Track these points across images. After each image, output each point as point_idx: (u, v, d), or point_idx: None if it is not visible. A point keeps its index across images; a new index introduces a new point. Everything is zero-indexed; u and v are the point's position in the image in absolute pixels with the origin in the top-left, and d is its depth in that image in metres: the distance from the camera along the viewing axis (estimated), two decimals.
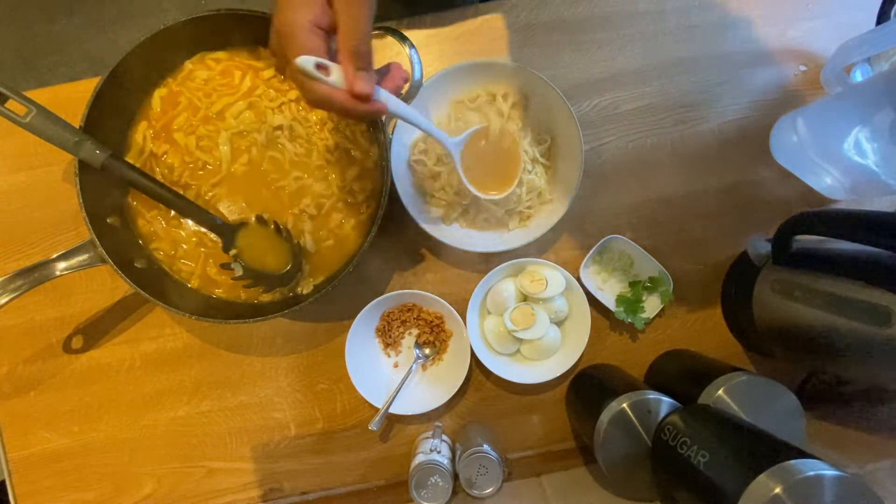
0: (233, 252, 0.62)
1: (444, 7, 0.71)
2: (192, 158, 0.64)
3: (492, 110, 0.66)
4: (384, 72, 0.51)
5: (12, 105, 0.54)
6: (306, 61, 0.42)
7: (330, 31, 0.44)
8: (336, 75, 0.44)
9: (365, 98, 0.44)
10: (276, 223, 0.63)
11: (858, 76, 0.69)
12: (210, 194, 0.64)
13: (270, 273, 0.63)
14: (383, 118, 0.53)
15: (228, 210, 0.65)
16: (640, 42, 0.71)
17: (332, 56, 0.45)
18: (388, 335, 0.69)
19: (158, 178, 0.64)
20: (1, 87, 0.53)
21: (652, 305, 0.68)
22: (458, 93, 0.68)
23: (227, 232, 0.62)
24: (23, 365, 0.68)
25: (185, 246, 0.65)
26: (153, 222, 0.64)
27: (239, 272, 0.63)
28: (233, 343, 0.69)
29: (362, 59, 0.43)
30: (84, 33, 1.58)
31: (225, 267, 0.63)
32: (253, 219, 0.63)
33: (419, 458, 0.62)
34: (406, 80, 0.53)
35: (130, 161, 0.62)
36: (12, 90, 0.54)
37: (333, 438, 0.70)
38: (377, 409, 0.66)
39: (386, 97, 0.48)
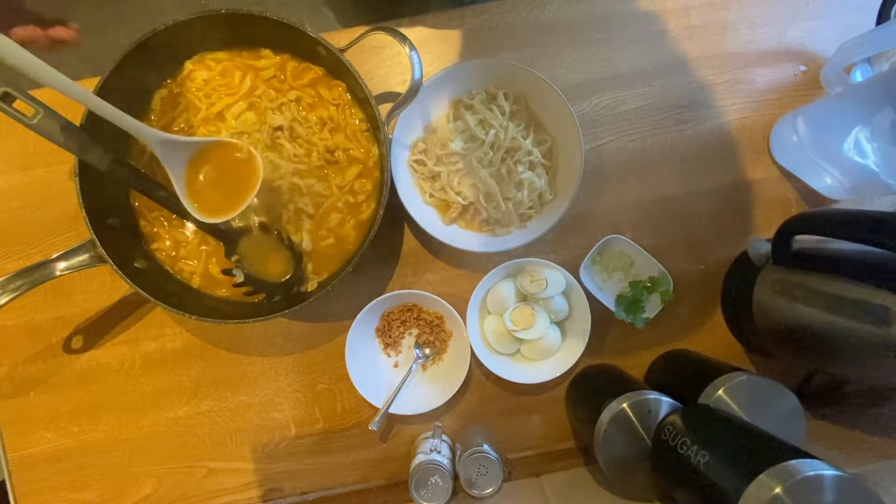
0: (235, 258, 0.62)
1: (443, 7, 0.71)
2: None
3: (490, 112, 0.66)
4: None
5: (20, 105, 0.54)
6: None
7: None
8: None
9: None
10: (278, 231, 0.63)
11: (858, 76, 0.69)
12: None
13: (271, 281, 0.63)
14: None
15: None
16: (640, 42, 0.71)
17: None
18: (388, 335, 0.69)
19: (159, 178, 0.64)
20: (9, 88, 0.53)
21: (652, 305, 0.68)
22: (458, 93, 0.68)
23: (230, 238, 0.62)
24: (23, 365, 0.68)
25: (186, 247, 0.65)
26: (155, 223, 0.65)
27: (240, 278, 0.63)
28: (233, 343, 0.69)
29: None
30: (83, 33, 1.58)
31: (226, 273, 0.63)
32: (256, 226, 0.63)
33: (419, 458, 0.62)
34: (55, 43, 0.50)
35: (132, 162, 0.62)
36: (21, 91, 0.53)
37: (333, 438, 0.70)
38: (377, 409, 0.66)
39: None
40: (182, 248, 0.65)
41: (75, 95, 0.48)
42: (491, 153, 0.65)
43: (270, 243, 0.63)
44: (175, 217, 0.64)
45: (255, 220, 0.65)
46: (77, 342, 0.68)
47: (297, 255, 0.64)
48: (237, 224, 0.64)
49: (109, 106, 0.51)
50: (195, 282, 0.65)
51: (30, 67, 0.45)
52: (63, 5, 1.59)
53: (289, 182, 0.64)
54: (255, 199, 0.65)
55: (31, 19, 0.48)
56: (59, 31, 0.50)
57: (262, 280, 0.64)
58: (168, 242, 0.65)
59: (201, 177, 0.57)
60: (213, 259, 0.65)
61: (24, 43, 0.45)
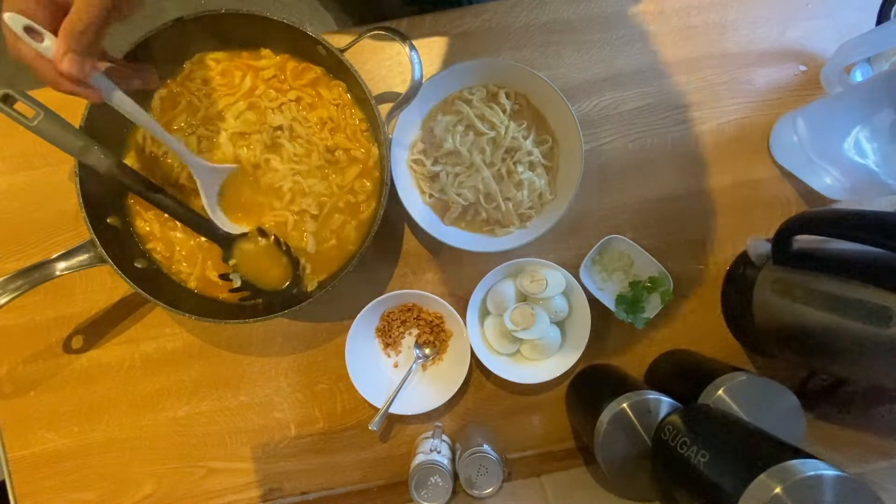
0: (231, 262, 0.62)
1: (444, 7, 0.71)
2: None
3: (490, 109, 0.66)
4: (127, 65, 0.53)
5: (20, 107, 0.54)
6: (14, 21, 0.42)
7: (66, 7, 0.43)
8: (49, 44, 0.43)
9: (72, 78, 0.44)
10: (276, 237, 0.63)
11: (858, 76, 0.69)
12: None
13: (268, 288, 0.63)
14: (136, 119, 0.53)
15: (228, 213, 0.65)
16: (640, 42, 0.71)
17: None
18: (388, 335, 0.69)
19: (158, 179, 0.63)
20: (10, 90, 0.53)
21: (652, 305, 0.68)
22: (458, 93, 0.67)
23: (227, 242, 0.62)
24: (23, 365, 0.68)
25: (182, 249, 0.65)
26: (151, 223, 0.64)
27: (237, 283, 0.63)
28: (233, 343, 0.69)
29: (77, 42, 0.42)
30: None
31: (223, 277, 0.63)
32: (255, 230, 0.63)
33: (419, 458, 0.62)
34: (141, 84, 0.54)
35: (129, 162, 0.62)
36: (21, 93, 0.53)
37: (333, 438, 0.70)
38: (377, 409, 0.66)
39: (108, 89, 0.49)
40: (177, 250, 0.65)
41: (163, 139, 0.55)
42: (489, 150, 0.65)
43: (268, 249, 0.63)
44: (169, 218, 0.64)
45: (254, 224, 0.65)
46: (77, 342, 0.68)
47: (294, 261, 0.64)
48: (234, 225, 0.64)
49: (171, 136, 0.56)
50: (192, 284, 0.65)
51: (138, 119, 0.53)
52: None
53: (290, 182, 0.64)
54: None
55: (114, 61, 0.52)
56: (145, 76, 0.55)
57: (259, 287, 0.64)
58: (163, 243, 0.64)
59: (232, 196, 0.63)
60: (209, 262, 0.65)
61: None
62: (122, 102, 0.51)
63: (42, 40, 0.43)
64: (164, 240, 0.65)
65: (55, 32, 0.42)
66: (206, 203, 0.60)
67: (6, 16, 0.42)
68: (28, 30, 0.42)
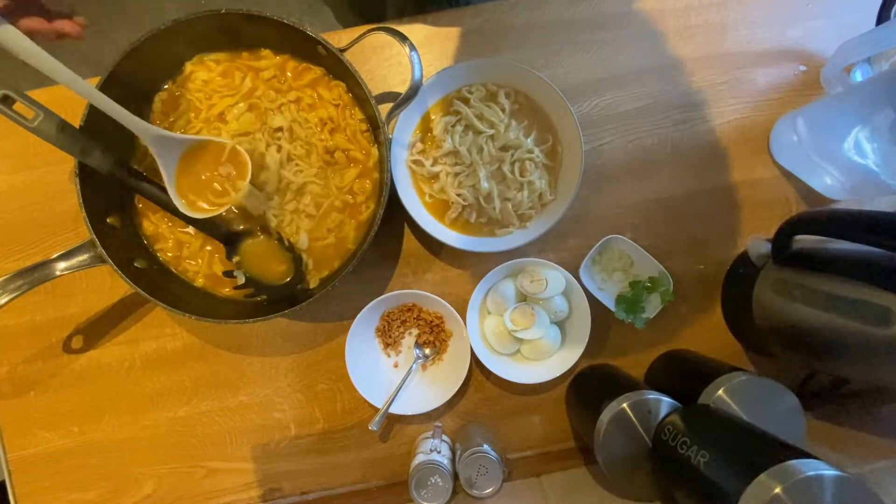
0: (236, 259, 0.62)
1: (444, 7, 0.71)
2: None
3: (489, 108, 0.66)
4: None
5: (20, 108, 0.54)
6: None
7: None
8: None
9: None
10: (279, 234, 0.63)
11: (858, 76, 0.69)
12: None
13: (271, 283, 0.63)
14: None
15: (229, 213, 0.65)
16: (640, 42, 0.71)
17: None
18: (388, 335, 0.69)
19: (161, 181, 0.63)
20: (9, 91, 0.53)
21: (652, 305, 0.68)
22: (457, 92, 0.67)
23: (231, 240, 0.62)
24: (23, 365, 0.68)
25: (189, 247, 0.65)
26: (159, 224, 0.65)
27: (241, 280, 0.63)
28: (233, 343, 0.69)
29: None
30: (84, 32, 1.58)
31: (228, 275, 0.63)
32: (257, 228, 0.63)
33: (419, 458, 0.62)
34: (59, 37, 0.51)
35: (135, 165, 0.62)
36: (21, 94, 0.53)
37: (333, 438, 0.70)
38: (377, 409, 0.66)
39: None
40: (186, 248, 0.65)
41: (77, 88, 0.50)
42: (487, 149, 0.65)
43: (271, 246, 0.63)
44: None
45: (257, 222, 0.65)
46: (77, 342, 0.68)
47: (297, 258, 0.64)
48: (237, 227, 0.64)
49: (105, 97, 0.52)
50: (199, 282, 0.65)
51: (33, 58, 0.47)
52: (63, 5, 1.59)
53: (287, 182, 0.64)
54: (244, 200, 0.65)
55: (39, 11, 0.50)
56: (63, 25, 0.51)
57: (263, 283, 0.64)
58: (171, 242, 0.65)
59: (192, 174, 0.58)
60: (217, 257, 0.65)
61: (28, 33, 0.47)
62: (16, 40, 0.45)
63: None
64: (172, 239, 0.65)
65: None
66: (165, 177, 0.56)
67: None
68: None
